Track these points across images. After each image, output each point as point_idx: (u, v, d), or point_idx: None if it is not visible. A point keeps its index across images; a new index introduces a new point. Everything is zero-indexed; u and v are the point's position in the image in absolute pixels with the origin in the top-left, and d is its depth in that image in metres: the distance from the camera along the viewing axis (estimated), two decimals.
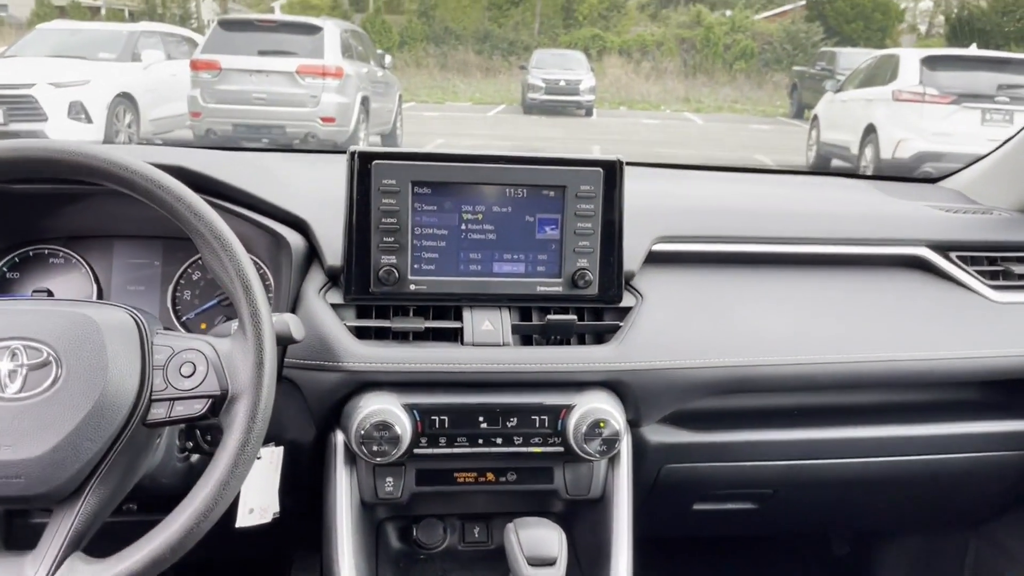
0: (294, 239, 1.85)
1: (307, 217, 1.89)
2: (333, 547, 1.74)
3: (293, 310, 1.82)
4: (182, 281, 1.99)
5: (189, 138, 11.57)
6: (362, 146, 1.83)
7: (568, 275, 1.76)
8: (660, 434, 1.86)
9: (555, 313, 1.76)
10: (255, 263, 1.64)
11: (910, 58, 11.55)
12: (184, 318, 1.87)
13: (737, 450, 1.88)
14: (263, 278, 1.79)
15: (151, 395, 1.24)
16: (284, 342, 1.57)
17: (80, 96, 10.48)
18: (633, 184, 1.78)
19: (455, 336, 1.73)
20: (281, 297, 1.82)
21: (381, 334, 1.72)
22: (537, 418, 1.80)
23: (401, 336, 1.72)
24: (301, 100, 11.48)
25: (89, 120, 10.46)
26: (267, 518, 1.77)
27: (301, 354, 1.78)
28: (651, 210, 2.06)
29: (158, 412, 1.24)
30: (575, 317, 1.75)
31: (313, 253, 1.78)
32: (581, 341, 1.77)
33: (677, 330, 1.90)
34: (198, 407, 1.25)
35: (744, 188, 2.42)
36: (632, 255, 1.82)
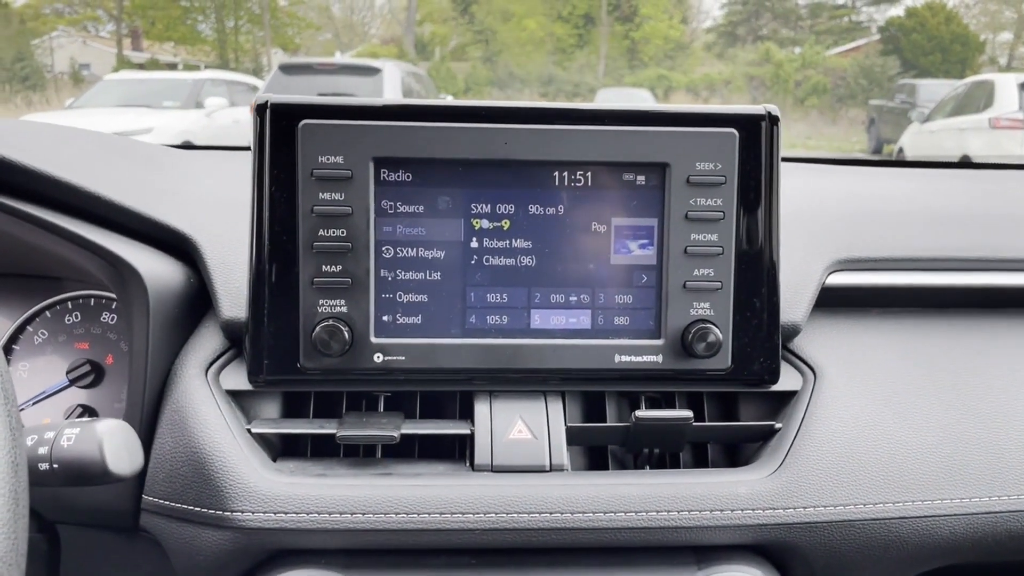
0: (162, 272, 1.00)
1: (191, 232, 1.04)
2: None
3: (159, 400, 0.95)
4: (15, 347, 1.15)
5: None
6: (280, 95, 0.97)
7: (675, 333, 1.00)
8: None
9: (650, 406, 1.03)
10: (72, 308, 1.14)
11: (1007, 84, 10.99)
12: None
13: None
14: (98, 340, 1.15)
15: None
16: (89, 479, 0.80)
17: None
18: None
19: (458, 453, 1.03)
20: (134, 376, 0.96)
21: (317, 449, 1.03)
22: None
23: (352, 454, 1.01)
24: None
25: None
26: None
27: (163, 489, 0.92)
28: (815, 215, 1.15)
29: None
30: (690, 414, 0.99)
31: (200, 297, 1.07)
32: (702, 462, 1.06)
33: (886, 438, 1.00)
34: None
35: (942, 186, 1.46)
36: (793, 295, 1.08)
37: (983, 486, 0.99)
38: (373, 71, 12.67)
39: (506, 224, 0.98)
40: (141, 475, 0.96)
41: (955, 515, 0.97)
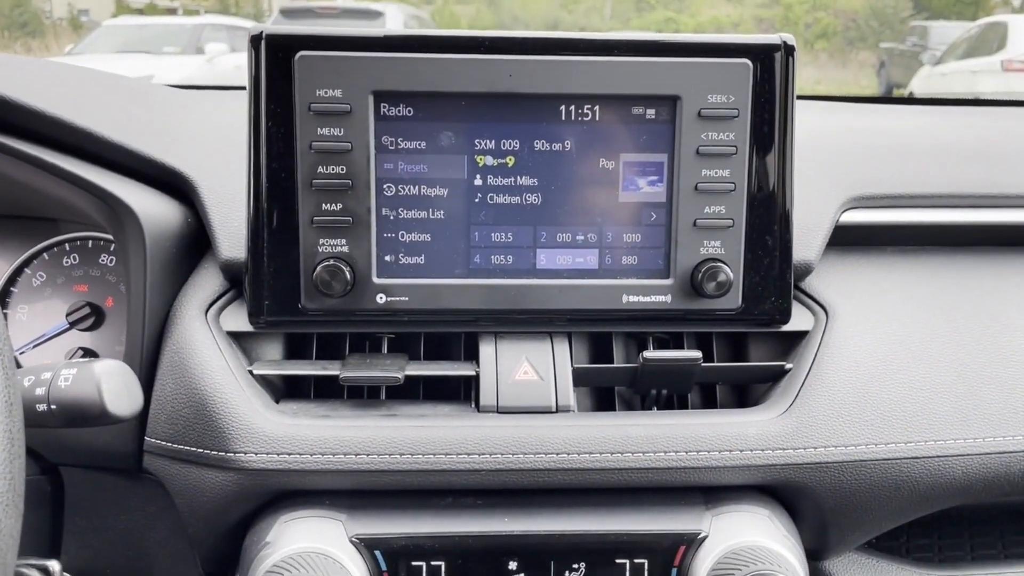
0: (159, 211, 0.98)
1: (188, 171, 1.01)
2: None
3: (158, 342, 0.94)
4: (13, 290, 1.13)
5: None
6: (276, 25, 0.93)
7: (684, 272, 0.98)
8: (859, 573, 1.16)
9: (658, 347, 1.00)
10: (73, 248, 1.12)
11: (1020, 25, 10.53)
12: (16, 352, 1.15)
13: None
14: (97, 282, 1.13)
15: None
16: (88, 420, 0.79)
17: None
18: None
19: (463, 395, 1.01)
20: (132, 318, 0.95)
21: (320, 392, 1.01)
22: (628, 563, 0.91)
23: (355, 396, 0.99)
24: None
25: None
26: None
27: (165, 431, 0.91)
28: (828, 152, 1.11)
29: None
30: (699, 354, 0.95)
31: (198, 238, 1.05)
32: (710, 404, 1.04)
33: (899, 378, 0.98)
34: None
35: (956, 123, 1.41)
36: (806, 233, 1.05)
37: (997, 425, 0.97)
38: (375, 15, 12.57)
39: (511, 161, 0.95)
40: (143, 417, 0.95)
41: (968, 455, 0.96)
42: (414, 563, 0.89)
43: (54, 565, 0.91)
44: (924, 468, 0.95)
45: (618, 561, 0.91)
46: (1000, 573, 1.10)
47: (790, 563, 0.87)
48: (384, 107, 0.93)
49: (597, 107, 0.94)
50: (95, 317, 1.12)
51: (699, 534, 0.91)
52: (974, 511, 1.15)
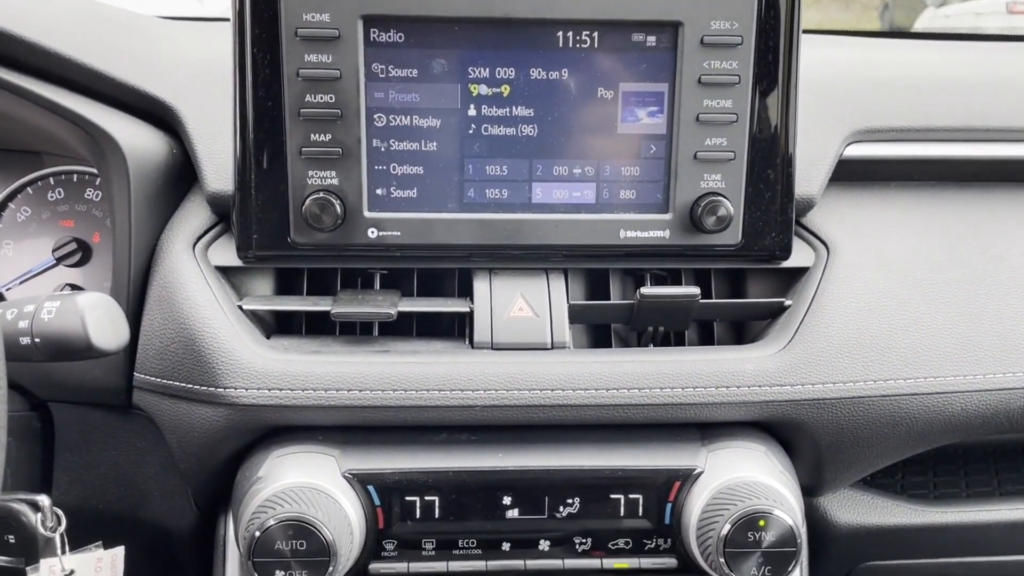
0: (143, 142, 0.95)
1: (172, 100, 0.98)
2: None
3: (145, 277, 0.93)
4: None
5: None
6: None
7: (683, 207, 0.96)
8: (854, 509, 1.13)
9: (656, 284, 0.98)
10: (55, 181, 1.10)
11: None
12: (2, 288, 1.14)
13: (985, 535, 1.12)
14: (83, 217, 1.11)
15: None
16: (73, 353, 0.78)
17: None
18: None
19: (457, 331, 0.99)
20: (118, 251, 0.93)
21: (312, 328, 1.00)
22: (622, 498, 0.91)
23: (348, 332, 0.97)
24: None
25: None
26: None
27: (154, 367, 0.89)
28: (832, 84, 1.08)
29: None
30: (697, 290, 0.94)
31: (184, 170, 1.02)
32: (708, 342, 1.02)
33: (900, 314, 0.97)
34: None
35: (961, 57, 1.38)
36: (808, 167, 1.02)
37: (998, 362, 0.96)
38: None
39: (506, 90, 0.92)
40: (131, 352, 0.94)
41: (967, 391, 0.95)
42: (408, 498, 0.89)
43: (43, 499, 0.90)
44: (922, 405, 0.94)
45: (612, 497, 0.90)
46: (995, 510, 1.11)
47: (786, 499, 0.87)
48: (374, 32, 0.90)
49: (596, 33, 0.91)
50: (82, 253, 1.10)
51: (694, 470, 0.90)
52: (969, 449, 1.15)
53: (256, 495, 0.85)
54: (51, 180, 1.13)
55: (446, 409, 0.90)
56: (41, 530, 0.90)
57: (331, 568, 0.83)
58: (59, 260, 1.11)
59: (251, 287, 0.99)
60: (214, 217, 0.99)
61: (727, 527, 0.84)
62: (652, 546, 0.92)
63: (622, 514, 0.91)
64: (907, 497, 1.11)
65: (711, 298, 1.02)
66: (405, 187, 0.94)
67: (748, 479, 0.88)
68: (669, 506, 0.91)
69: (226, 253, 0.96)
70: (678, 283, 1.02)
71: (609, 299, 1.01)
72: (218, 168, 0.97)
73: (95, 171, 1.10)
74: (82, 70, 0.97)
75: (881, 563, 1.12)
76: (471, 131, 0.93)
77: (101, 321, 0.77)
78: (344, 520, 0.85)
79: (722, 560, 0.85)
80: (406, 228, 0.94)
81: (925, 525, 1.09)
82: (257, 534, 0.82)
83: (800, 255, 1.00)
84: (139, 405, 0.95)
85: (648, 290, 0.94)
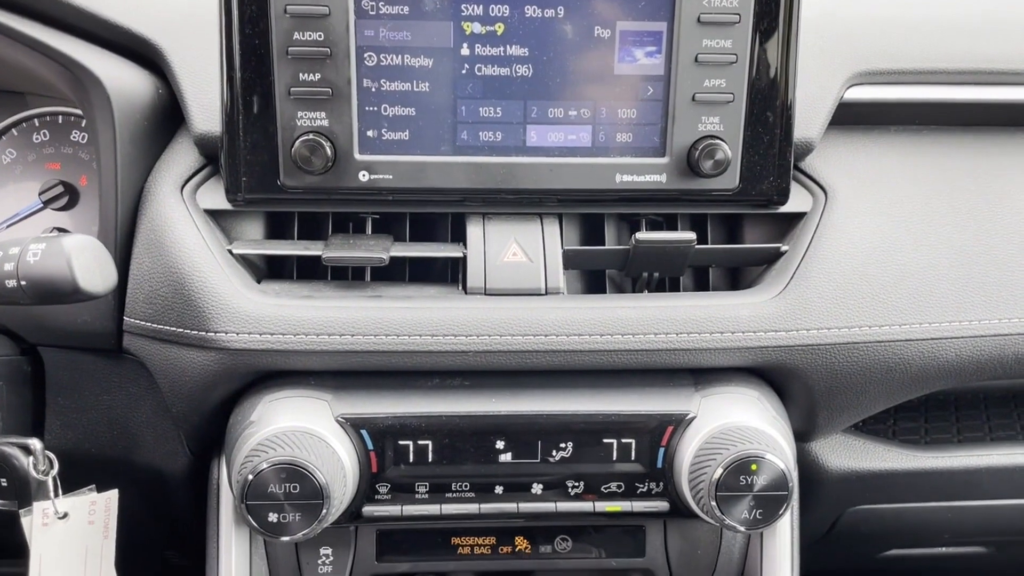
0: (127, 81, 0.93)
1: (156, 38, 0.95)
2: None
3: (133, 220, 0.92)
4: None
5: None
6: None
7: (681, 150, 0.93)
8: (845, 454, 1.14)
9: (651, 228, 0.97)
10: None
11: None
12: None
13: (976, 480, 1.13)
14: (70, 160, 1.07)
15: None
16: (60, 296, 0.77)
17: None
18: None
19: (451, 277, 0.98)
20: (104, 193, 0.92)
21: (303, 273, 0.99)
22: (615, 442, 0.91)
23: (339, 278, 0.97)
24: None
25: None
26: None
27: (144, 311, 0.89)
28: (833, 24, 1.05)
29: None
30: (693, 235, 0.93)
31: (171, 111, 0.99)
32: (703, 287, 1.02)
33: (897, 259, 0.96)
34: None
35: None
36: (808, 110, 1.00)
37: (993, 308, 0.95)
38: None
39: (500, 28, 0.90)
40: (120, 297, 0.93)
41: (962, 337, 0.95)
42: (401, 442, 0.89)
43: (35, 443, 0.90)
44: (917, 351, 0.94)
45: (605, 441, 0.91)
46: (986, 455, 1.12)
47: (778, 443, 0.87)
48: None
49: None
50: (69, 196, 1.08)
51: (687, 415, 0.90)
52: (961, 395, 1.15)
53: (249, 439, 0.85)
54: (36, 122, 1.11)
55: (439, 354, 0.89)
56: (33, 473, 0.90)
57: (324, 511, 0.83)
58: (46, 203, 1.09)
59: (241, 231, 0.97)
60: (202, 159, 0.97)
61: (719, 471, 0.85)
62: (644, 490, 0.92)
63: (615, 458, 0.91)
64: (899, 442, 1.11)
65: (707, 243, 1.01)
66: (397, 129, 0.92)
67: (741, 424, 0.88)
68: (662, 450, 0.91)
69: (215, 196, 0.95)
70: (674, 229, 1.00)
71: (604, 244, 1.00)
72: (205, 109, 0.94)
73: (80, 112, 1.07)
74: (65, 7, 0.95)
75: (871, 507, 1.13)
76: (464, 71, 0.91)
77: (88, 264, 0.76)
78: (337, 464, 0.85)
79: (714, 503, 0.85)
80: (398, 171, 0.92)
81: (916, 470, 1.10)
82: (250, 477, 0.82)
83: (797, 200, 0.98)
84: (129, 349, 0.94)
85: (643, 235, 0.93)
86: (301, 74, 0.88)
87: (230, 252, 0.93)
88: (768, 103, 0.93)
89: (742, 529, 0.86)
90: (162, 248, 0.90)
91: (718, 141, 0.92)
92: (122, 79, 0.93)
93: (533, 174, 0.93)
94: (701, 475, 0.86)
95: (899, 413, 1.13)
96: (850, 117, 1.04)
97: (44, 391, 0.99)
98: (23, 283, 0.75)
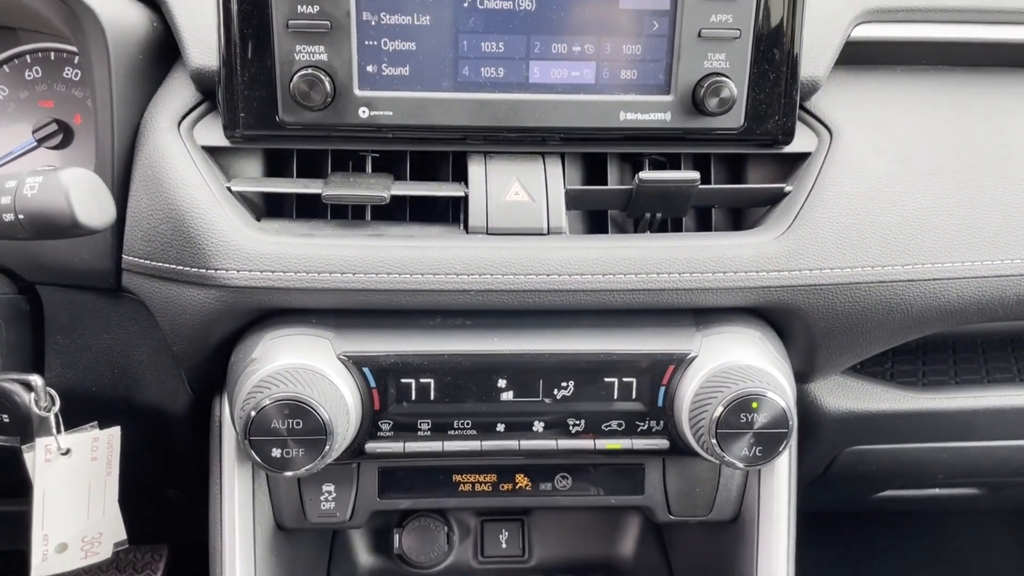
0: (122, 13, 0.92)
1: None
2: None
3: (130, 156, 0.91)
4: None
5: None
6: None
7: (686, 88, 0.92)
8: (844, 395, 1.14)
9: (655, 166, 0.96)
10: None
11: None
12: None
13: (971, 421, 1.13)
14: (63, 98, 1.06)
15: None
16: (59, 230, 0.76)
17: None
18: None
19: (452, 216, 0.97)
20: (100, 129, 0.91)
21: (303, 212, 0.97)
22: (616, 381, 0.91)
23: (339, 216, 0.96)
24: None
25: None
26: (99, 554, 0.93)
27: (143, 248, 0.88)
28: None
29: None
30: (697, 175, 0.92)
31: (167, 44, 0.98)
32: (705, 224, 1.01)
33: (901, 200, 0.96)
34: None
35: None
36: (815, 48, 0.98)
37: (997, 248, 0.95)
38: None
39: None
40: (118, 234, 0.92)
41: (964, 278, 0.95)
42: (403, 381, 0.89)
43: (36, 379, 0.90)
44: (919, 291, 0.94)
45: (607, 380, 0.91)
46: (982, 396, 1.13)
47: (779, 382, 0.87)
48: None
49: None
50: (63, 134, 1.07)
51: (688, 354, 0.91)
52: (959, 338, 1.16)
53: (251, 376, 0.85)
54: (28, 58, 1.09)
55: (441, 293, 0.89)
56: (35, 410, 0.90)
57: (327, 447, 0.83)
58: (40, 142, 1.08)
59: (239, 169, 0.96)
60: (199, 95, 0.95)
61: (720, 409, 0.85)
62: (644, 428, 0.93)
63: (616, 397, 0.92)
64: (896, 384, 1.12)
65: (711, 183, 1.00)
66: (397, 64, 0.90)
67: (742, 362, 0.88)
68: (662, 389, 0.91)
69: (212, 133, 0.93)
70: (677, 168, 0.99)
71: (607, 184, 0.99)
72: (201, 42, 0.93)
73: (74, 48, 1.05)
74: None
75: (868, 447, 1.15)
76: (466, 4, 0.89)
77: (86, 198, 0.75)
78: (340, 401, 0.85)
79: (714, 441, 0.86)
80: (398, 108, 0.91)
81: (913, 411, 1.11)
82: (253, 414, 0.82)
83: (802, 140, 0.98)
84: (128, 288, 0.94)
85: (647, 175, 0.92)
86: (299, 6, 0.86)
87: (229, 190, 0.92)
88: (775, 40, 0.91)
89: (741, 466, 0.87)
90: (160, 185, 0.89)
91: (724, 78, 0.90)
92: (116, 11, 0.91)
93: (536, 111, 0.92)
94: (702, 413, 0.87)
95: (897, 356, 1.13)
96: (857, 56, 1.03)
97: (43, 330, 0.99)
98: (21, 217, 0.74)
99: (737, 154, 1.00)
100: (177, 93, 0.95)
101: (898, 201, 0.94)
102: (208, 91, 0.95)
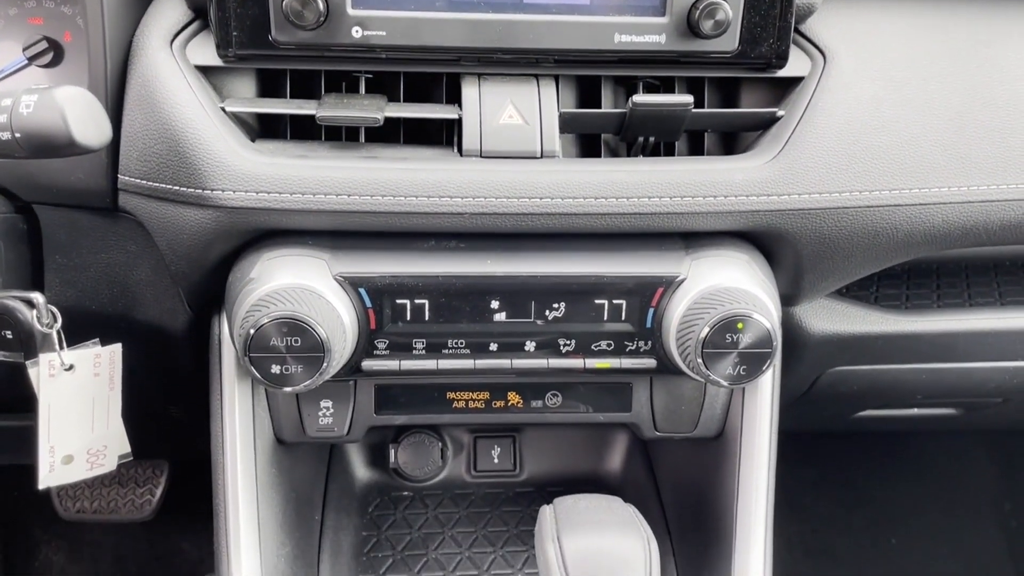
0: None
1: None
2: (221, 524, 0.94)
3: (122, 75, 0.92)
4: None
5: None
6: None
7: (681, 10, 0.91)
8: (828, 317, 1.16)
9: (649, 90, 0.96)
10: None
11: None
12: None
13: (952, 343, 1.16)
14: (52, 15, 1.01)
15: None
16: (55, 149, 0.76)
17: None
18: None
19: (446, 139, 0.97)
20: (92, 48, 0.91)
21: (297, 133, 0.97)
22: (606, 303, 0.93)
23: (333, 138, 0.96)
24: None
25: None
26: (104, 466, 0.97)
27: (138, 168, 0.88)
28: None
29: None
30: (690, 99, 0.92)
31: None
32: (697, 149, 1.02)
33: (892, 125, 0.96)
34: None
35: None
36: None
37: (984, 174, 0.96)
38: None
39: None
40: (114, 154, 0.92)
41: (951, 203, 0.96)
42: (398, 301, 0.91)
43: (38, 296, 0.91)
44: (905, 216, 0.95)
45: (597, 302, 0.93)
46: (964, 319, 1.15)
47: (764, 304, 0.90)
48: None
49: None
50: (54, 52, 1.05)
51: (677, 277, 0.93)
52: (943, 263, 1.17)
53: (250, 295, 0.87)
54: None
55: (435, 216, 0.90)
56: (38, 326, 0.92)
57: (325, 364, 0.86)
58: (31, 60, 1.06)
59: (232, 89, 0.96)
60: (190, 13, 0.94)
61: (706, 329, 0.87)
62: (633, 348, 0.95)
63: (605, 318, 0.94)
64: (880, 307, 1.14)
65: (704, 107, 1.00)
66: None
67: (729, 285, 0.90)
68: (651, 311, 0.93)
69: (205, 52, 0.92)
70: (671, 91, 0.99)
71: (600, 108, 0.99)
72: None
73: None
74: None
75: (850, 368, 1.18)
76: None
77: (82, 116, 0.75)
78: (337, 320, 0.87)
79: (700, 360, 0.89)
80: (392, 27, 0.90)
81: (896, 333, 1.14)
82: (252, 331, 0.84)
83: (796, 64, 0.97)
84: (125, 208, 0.94)
85: (640, 98, 0.92)
86: None
87: (223, 110, 0.92)
88: None
89: (726, 384, 0.90)
90: (154, 104, 0.89)
91: (719, 1, 0.90)
92: None
93: (530, 32, 0.91)
94: (688, 333, 0.89)
95: (882, 279, 1.15)
96: None
97: (42, 249, 1.00)
98: (17, 135, 0.74)
99: (730, 79, 1.00)
100: (168, 10, 0.93)
101: (889, 127, 0.95)
102: (199, 9, 0.93)
